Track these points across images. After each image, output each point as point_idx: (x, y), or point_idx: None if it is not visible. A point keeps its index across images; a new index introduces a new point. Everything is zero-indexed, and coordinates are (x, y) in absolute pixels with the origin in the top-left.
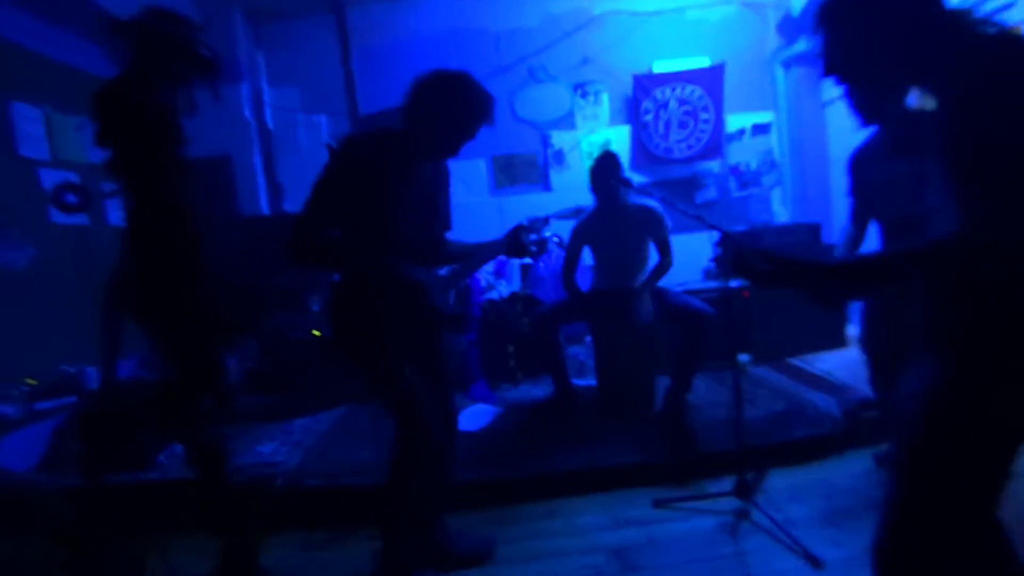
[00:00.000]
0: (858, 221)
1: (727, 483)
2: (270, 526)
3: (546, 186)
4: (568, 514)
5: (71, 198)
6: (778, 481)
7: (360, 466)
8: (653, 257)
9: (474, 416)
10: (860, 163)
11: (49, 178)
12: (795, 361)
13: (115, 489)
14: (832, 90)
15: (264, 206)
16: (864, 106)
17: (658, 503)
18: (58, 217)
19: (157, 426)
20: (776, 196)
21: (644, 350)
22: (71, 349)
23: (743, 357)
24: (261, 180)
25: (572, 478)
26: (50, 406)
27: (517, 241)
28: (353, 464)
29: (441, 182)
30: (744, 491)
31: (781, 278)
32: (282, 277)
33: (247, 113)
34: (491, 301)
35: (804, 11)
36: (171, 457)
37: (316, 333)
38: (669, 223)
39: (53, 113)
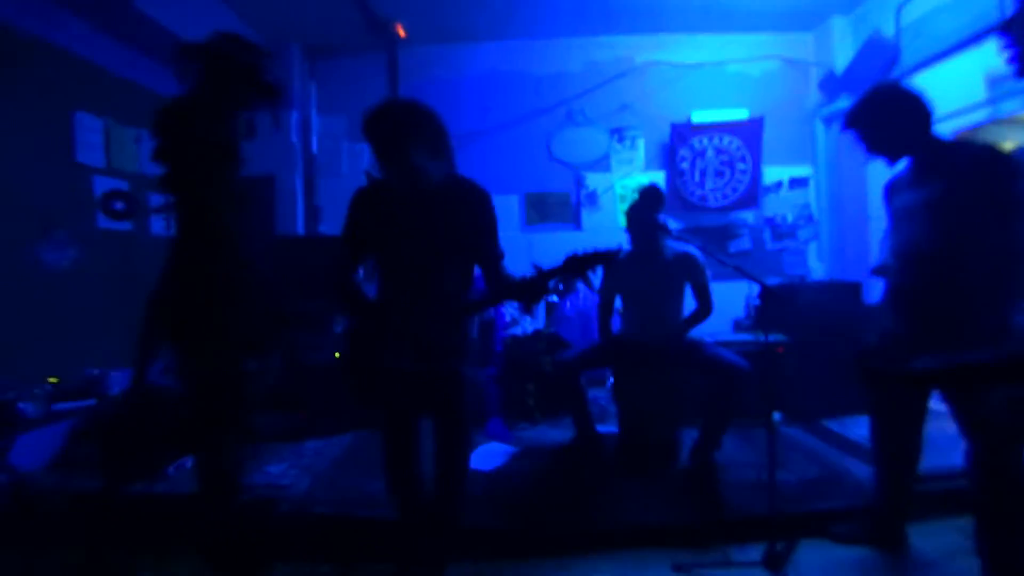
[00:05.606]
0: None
1: (753, 551)
2: (272, 554)
3: (577, 226)
4: (581, 572)
5: (119, 205)
6: (810, 554)
7: (371, 497)
8: (688, 304)
9: (488, 455)
10: (890, 192)
11: (101, 185)
12: (829, 423)
13: (126, 498)
14: None
15: (300, 227)
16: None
17: (679, 567)
18: (104, 223)
19: (179, 439)
20: (812, 250)
21: (671, 403)
22: (99, 352)
23: (775, 416)
24: (300, 202)
25: (587, 533)
26: (69, 407)
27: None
28: (364, 495)
29: (450, 210)
30: (774, 562)
31: None
32: (310, 298)
33: (294, 137)
34: (514, 337)
35: (847, 70)
36: (181, 470)
37: (338, 356)
38: (708, 271)
39: (113, 124)
